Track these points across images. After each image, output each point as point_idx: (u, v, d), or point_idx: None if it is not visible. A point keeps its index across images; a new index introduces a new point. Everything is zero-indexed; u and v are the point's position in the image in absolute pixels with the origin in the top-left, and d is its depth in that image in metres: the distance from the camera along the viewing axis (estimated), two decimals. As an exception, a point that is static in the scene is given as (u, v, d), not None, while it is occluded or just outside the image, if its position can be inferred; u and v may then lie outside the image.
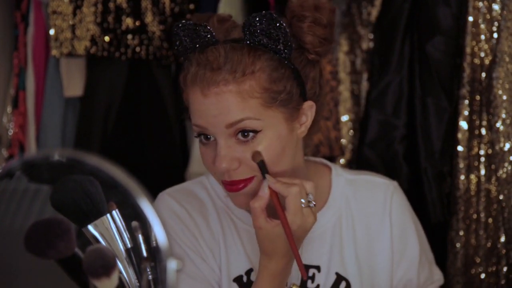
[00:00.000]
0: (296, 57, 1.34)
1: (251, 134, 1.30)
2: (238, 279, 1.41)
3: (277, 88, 1.31)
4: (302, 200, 1.29)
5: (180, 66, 2.10)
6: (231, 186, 1.32)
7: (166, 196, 1.46)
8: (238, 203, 1.35)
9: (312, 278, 1.43)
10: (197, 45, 1.31)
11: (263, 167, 1.30)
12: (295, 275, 1.42)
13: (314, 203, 1.30)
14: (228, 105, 1.29)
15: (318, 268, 1.43)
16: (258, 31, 1.28)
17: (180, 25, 1.32)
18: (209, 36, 1.30)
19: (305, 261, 1.43)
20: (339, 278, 1.43)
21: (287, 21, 1.35)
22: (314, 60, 1.37)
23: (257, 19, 1.28)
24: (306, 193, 1.30)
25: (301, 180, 1.30)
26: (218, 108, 1.29)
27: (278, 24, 1.28)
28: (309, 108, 1.36)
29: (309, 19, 1.34)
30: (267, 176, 1.30)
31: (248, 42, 1.30)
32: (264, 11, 1.28)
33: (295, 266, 1.40)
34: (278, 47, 1.30)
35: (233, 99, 1.29)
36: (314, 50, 1.35)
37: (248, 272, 1.41)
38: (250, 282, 1.40)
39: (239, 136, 1.30)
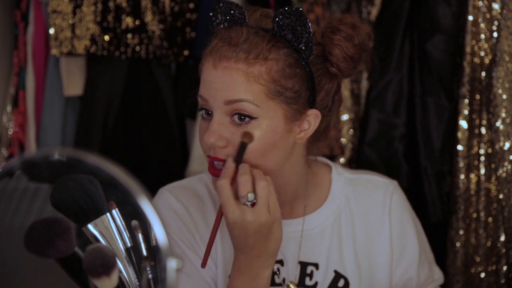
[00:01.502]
0: (316, 63, 1.36)
1: (246, 118, 1.31)
2: None
3: (285, 83, 1.32)
4: (249, 197, 1.27)
5: (180, 65, 2.11)
6: (214, 170, 1.33)
7: (166, 192, 1.47)
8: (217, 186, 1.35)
9: (310, 275, 1.43)
10: (227, 23, 1.36)
11: (242, 150, 1.30)
12: (292, 274, 1.42)
13: (250, 202, 1.28)
14: (232, 81, 1.31)
15: (316, 265, 1.44)
16: (286, 25, 1.32)
17: (221, 4, 1.37)
18: (241, 17, 1.35)
19: (304, 258, 1.43)
20: (338, 275, 1.43)
21: (320, 30, 1.38)
22: (334, 74, 1.38)
23: (287, 12, 1.31)
24: (249, 191, 1.28)
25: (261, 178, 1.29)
26: (222, 82, 1.31)
27: (304, 22, 1.31)
28: (314, 117, 1.36)
29: (342, 33, 1.36)
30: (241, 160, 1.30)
31: (273, 33, 1.33)
32: (296, 7, 1.31)
33: (292, 265, 1.41)
34: (300, 46, 1.32)
35: (239, 77, 1.31)
36: (337, 64, 1.36)
37: None
38: None
39: (235, 117, 1.31)
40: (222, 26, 1.37)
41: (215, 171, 1.33)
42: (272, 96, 1.31)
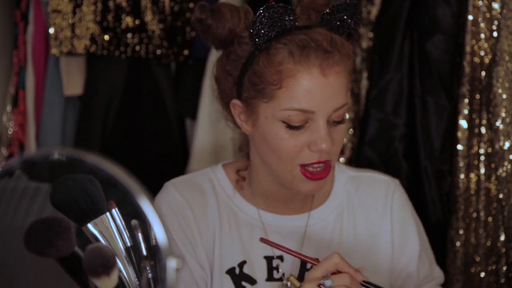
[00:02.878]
0: None
1: (342, 117, 1.34)
2: (230, 271, 1.42)
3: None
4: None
5: (180, 65, 2.10)
6: (315, 175, 1.33)
7: (170, 186, 1.47)
8: (310, 190, 1.36)
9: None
10: (289, 28, 1.31)
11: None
12: (292, 269, 1.43)
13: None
14: (340, 87, 1.31)
15: (316, 261, 1.44)
16: (337, 18, 1.34)
17: (266, 7, 1.31)
18: (292, 19, 1.31)
19: (305, 253, 1.44)
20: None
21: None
22: None
23: (340, 8, 1.34)
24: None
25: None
26: (333, 89, 1.30)
27: (354, 13, 1.34)
28: None
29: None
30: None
31: (330, 27, 1.34)
32: (349, 1, 1.35)
33: (292, 260, 1.41)
34: (343, 35, 1.35)
35: (345, 80, 1.32)
36: None
37: (241, 264, 1.42)
38: (242, 274, 1.41)
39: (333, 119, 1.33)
40: (270, 36, 1.31)
41: (312, 174, 1.33)
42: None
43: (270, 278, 1.43)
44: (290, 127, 1.31)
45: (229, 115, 1.42)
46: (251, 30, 1.31)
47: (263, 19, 1.30)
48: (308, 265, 1.44)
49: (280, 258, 1.44)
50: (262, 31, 1.30)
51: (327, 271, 1.28)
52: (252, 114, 1.35)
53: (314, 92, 1.29)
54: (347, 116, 1.99)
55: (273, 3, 1.31)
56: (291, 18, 1.31)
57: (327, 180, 1.37)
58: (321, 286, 1.27)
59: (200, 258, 1.42)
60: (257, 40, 1.31)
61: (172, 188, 1.46)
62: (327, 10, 1.33)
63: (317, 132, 1.30)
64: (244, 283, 1.41)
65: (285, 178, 1.36)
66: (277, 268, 1.43)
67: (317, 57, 1.29)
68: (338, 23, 1.34)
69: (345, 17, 1.34)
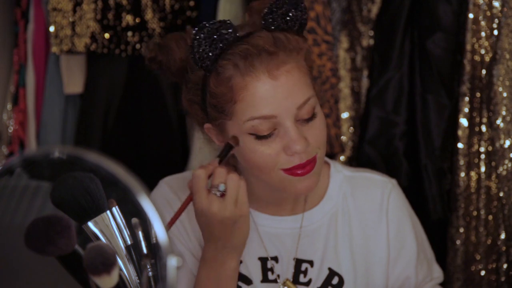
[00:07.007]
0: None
1: (312, 112, 1.30)
2: None
3: (311, 65, 1.35)
4: (220, 186, 1.28)
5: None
6: (303, 169, 1.30)
7: (163, 184, 1.48)
8: (304, 188, 1.32)
9: (305, 272, 1.44)
10: (223, 44, 1.28)
11: (227, 151, 1.30)
12: (287, 271, 1.43)
13: (220, 192, 1.28)
14: (296, 83, 1.28)
15: (311, 262, 1.44)
16: (282, 16, 1.31)
17: (199, 28, 1.28)
18: (231, 32, 1.28)
19: (299, 255, 1.44)
20: (332, 273, 1.44)
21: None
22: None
23: (280, 3, 1.30)
24: (221, 181, 1.28)
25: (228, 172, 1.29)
26: (288, 88, 1.27)
27: (297, 2, 1.32)
28: None
29: None
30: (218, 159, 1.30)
31: (269, 26, 1.31)
32: None
33: (287, 262, 1.40)
34: (295, 28, 1.33)
35: (298, 75, 1.29)
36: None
37: None
38: (238, 274, 1.41)
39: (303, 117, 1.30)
40: (216, 52, 1.28)
41: (305, 169, 1.31)
42: (312, 81, 1.33)
43: (265, 279, 1.43)
44: (258, 137, 1.29)
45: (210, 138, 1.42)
46: (192, 55, 1.29)
47: (201, 40, 1.28)
48: (303, 267, 1.44)
49: (275, 259, 1.44)
50: (205, 53, 1.28)
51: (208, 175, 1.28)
52: (224, 133, 1.34)
53: (268, 97, 1.27)
54: (346, 115, 1.99)
55: (205, 22, 1.28)
56: (229, 31, 1.28)
57: (319, 177, 1.35)
58: (214, 193, 1.27)
59: (196, 253, 1.43)
60: (202, 62, 1.29)
61: (165, 186, 1.48)
62: (266, 10, 1.30)
63: (287, 135, 1.28)
64: (239, 283, 1.41)
65: (275, 185, 1.34)
66: (271, 270, 1.43)
67: (262, 62, 1.27)
68: (284, 19, 1.31)
69: (291, 10, 1.31)
